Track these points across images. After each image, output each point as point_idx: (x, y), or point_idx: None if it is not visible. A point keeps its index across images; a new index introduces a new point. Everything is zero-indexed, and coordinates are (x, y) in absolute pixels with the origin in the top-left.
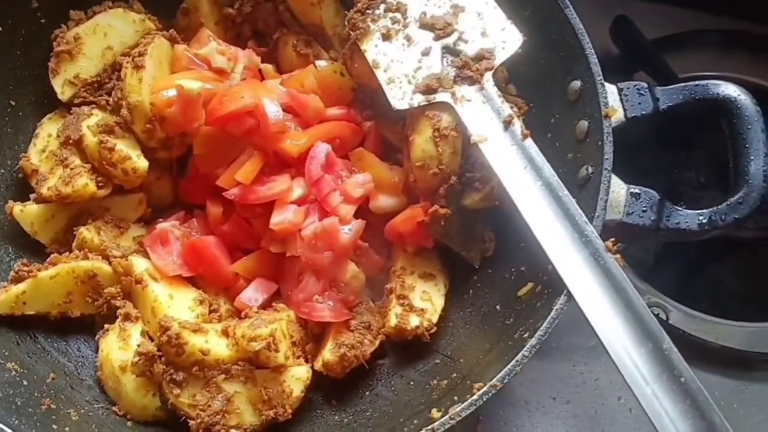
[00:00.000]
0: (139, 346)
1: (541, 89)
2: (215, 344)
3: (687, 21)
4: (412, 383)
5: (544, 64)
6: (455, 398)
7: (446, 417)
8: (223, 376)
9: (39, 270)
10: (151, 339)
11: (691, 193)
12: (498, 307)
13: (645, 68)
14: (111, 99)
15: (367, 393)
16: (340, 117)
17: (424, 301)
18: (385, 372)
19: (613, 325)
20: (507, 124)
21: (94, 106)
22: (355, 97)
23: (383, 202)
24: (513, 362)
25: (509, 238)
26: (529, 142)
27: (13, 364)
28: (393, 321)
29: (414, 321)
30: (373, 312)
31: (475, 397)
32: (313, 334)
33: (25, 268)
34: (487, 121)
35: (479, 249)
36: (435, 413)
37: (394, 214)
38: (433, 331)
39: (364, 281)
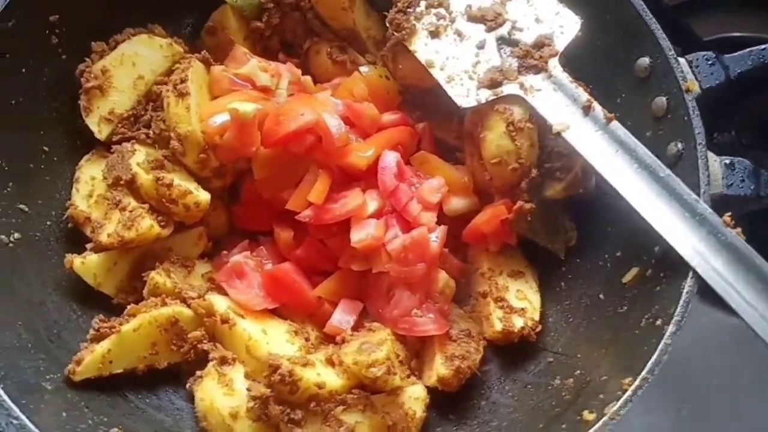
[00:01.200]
0: (249, 389)
1: (600, 69)
2: (327, 375)
3: None
4: (529, 386)
5: (600, 44)
6: (601, 396)
7: (605, 417)
8: (341, 407)
9: (121, 324)
10: (254, 380)
11: (734, 155)
12: (601, 296)
13: (669, 34)
14: (151, 131)
15: (483, 402)
16: (397, 122)
17: (520, 300)
18: (494, 378)
19: (752, 303)
20: (587, 109)
21: (134, 141)
22: (402, 99)
23: (456, 203)
24: (658, 352)
25: (591, 224)
26: (616, 125)
27: (116, 429)
28: (498, 326)
29: (518, 322)
30: (465, 318)
31: (629, 393)
32: (413, 350)
33: (105, 324)
34: (564, 108)
35: (562, 240)
36: (587, 415)
37: (468, 216)
38: (538, 329)
39: (455, 288)
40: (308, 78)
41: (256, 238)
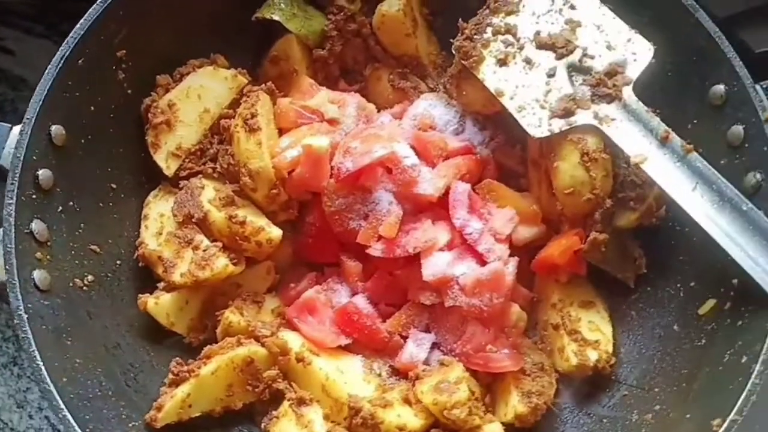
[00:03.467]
0: None
1: (670, 94)
2: (407, 416)
3: None
4: (605, 420)
5: (671, 68)
6: None
7: None
8: None
9: (199, 367)
10: (332, 421)
11: None
12: (676, 327)
13: None
14: (218, 166)
15: None
16: (463, 150)
17: (593, 331)
18: (566, 412)
19: None
20: (664, 140)
21: (200, 176)
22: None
23: (524, 232)
24: (746, 392)
25: (661, 252)
26: (695, 156)
27: None
28: (574, 360)
29: (593, 356)
30: (534, 349)
31: None
32: (485, 384)
33: (183, 368)
34: (641, 138)
35: (632, 268)
36: None
37: (533, 244)
38: (612, 362)
39: (527, 321)
40: (372, 106)
41: (320, 268)
